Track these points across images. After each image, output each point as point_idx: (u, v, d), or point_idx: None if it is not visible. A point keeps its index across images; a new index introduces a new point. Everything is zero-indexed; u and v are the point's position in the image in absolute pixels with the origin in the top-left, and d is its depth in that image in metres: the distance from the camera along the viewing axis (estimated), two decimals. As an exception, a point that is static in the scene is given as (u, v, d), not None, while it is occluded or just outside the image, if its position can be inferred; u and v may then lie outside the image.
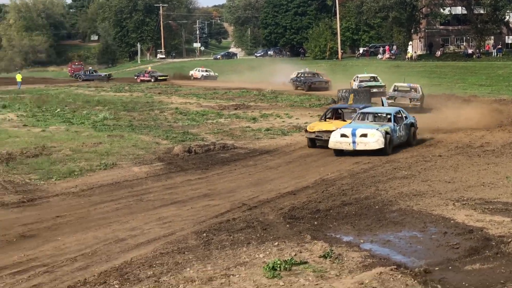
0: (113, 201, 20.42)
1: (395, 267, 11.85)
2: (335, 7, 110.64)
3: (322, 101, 54.59)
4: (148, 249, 14.27)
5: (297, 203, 18.49)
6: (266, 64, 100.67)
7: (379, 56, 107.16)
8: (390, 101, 42.63)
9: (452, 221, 15.26)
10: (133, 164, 27.11)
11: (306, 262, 12.50)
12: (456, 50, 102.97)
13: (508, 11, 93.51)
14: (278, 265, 12.16)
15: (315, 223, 16.02)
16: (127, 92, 67.70)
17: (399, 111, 27.42)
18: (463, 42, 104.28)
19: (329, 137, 25.99)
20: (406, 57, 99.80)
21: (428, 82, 58.02)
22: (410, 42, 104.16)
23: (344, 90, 52.52)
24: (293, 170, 25.13)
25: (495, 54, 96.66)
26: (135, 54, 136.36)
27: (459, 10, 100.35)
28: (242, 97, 58.72)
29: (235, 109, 49.30)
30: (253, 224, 16.18)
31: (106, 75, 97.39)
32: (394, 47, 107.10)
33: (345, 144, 23.99)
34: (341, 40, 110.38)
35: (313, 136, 28.34)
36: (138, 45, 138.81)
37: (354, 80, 57.75)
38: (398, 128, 25.67)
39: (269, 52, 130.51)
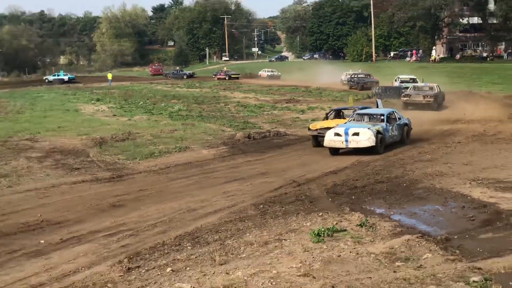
0: (186, 178, 21.03)
1: (420, 235, 12.12)
2: (371, 17, 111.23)
3: (358, 96, 53.89)
4: (214, 218, 14.94)
5: (338, 181, 18.96)
6: (312, 66, 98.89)
7: (407, 59, 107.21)
8: (405, 98, 43.31)
9: (469, 197, 15.39)
10: (203, 148, 27.65)
11: (345, 230, 12.81)
12: (473, 54, 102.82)
13: None
14: (322, 232, 12.49)
15: (353, 197, 16.43)
16: (197, 88, 67.04)
17: (392, 112, 26.17)
18: (479, 47, 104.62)
19: None
20: (431, 59, 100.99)
21: (449, 81, 56.54)
22: (434, 47, 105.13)
23: (378, 88, 53.62)
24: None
25: (506, 57, 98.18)
26: (204, 57, 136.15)
27: (475, 20, 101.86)
28: (292, 93, 58.11)
29: (287, 102, 49.54)
30: (301, 198, 16.67)
31: (190, 73, 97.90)
32: (420, 51, 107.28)
33: (339, 142, 22.97)
34: (375, 45, 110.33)
35: (315, 133, 26.93)
36: (207, 49, 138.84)
37: (395, 80, 57.01)
38: (390, 127, 24.46)
39: (314, 56, 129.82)
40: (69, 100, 51.74)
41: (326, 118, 29.00)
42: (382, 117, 24.45)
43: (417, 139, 28.13)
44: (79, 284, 10.46)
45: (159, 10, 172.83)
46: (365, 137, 22.33)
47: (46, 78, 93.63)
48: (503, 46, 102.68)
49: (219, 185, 19.47)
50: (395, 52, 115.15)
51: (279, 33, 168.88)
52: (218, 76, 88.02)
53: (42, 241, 13.15)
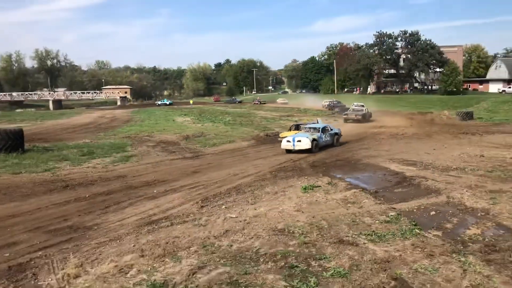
0: (232, 157, 20.94)
1: (361, 189, 12.18)
2: (334, 69, 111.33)
3: (329, 112, 53.86)
4: (248, 179, 14.77)
5: (316, 159, 18.83)
6: (302, 96, 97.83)
7: (354, 92, 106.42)
8: (345, 116, 41.65)
9: (388, 169, 15.25)
10: (242, 141, 27.55)
11: (319, 186, 12.74)
12: (390, 90, 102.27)
13: (416, 72, 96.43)
14: (307, 187, 12.54)
15: (324, 168, 16.23)
16: (238, 108, 66.05)
17: (326, 126, 24.21)
18: (394, 86, 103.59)
19: None
20: (367, 92, 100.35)
21: (376, 105, 55.53)
22: (369, 86, 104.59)
23: (336, 108, 53.92)
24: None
25: (409, 92, 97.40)
26: (242, 91, 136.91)
27: (392, 71, 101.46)
28: (290, 112, 56.72)
29: (287, 116, 48.62)
30: (295, 168, 16.56)
31: (239, 100, 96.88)
32: (361, 88, 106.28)
33: (289, 146, 21.34)
34: (336, 84, 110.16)
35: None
36: (244, 87, 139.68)
37: (352, 104, 51.78)
38: (324, 136, 22.73)
39: (303, 91, 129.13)
40: (169, 114, 52.15)
41: (290, 130, 27.08)
42: (318, 130, 22.99)
43: (358, 138, 27.65)
44: (175, 214, 10.49)
45: (218, 65, 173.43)
46: (304, 142, 21.10)
47: (156, 103, 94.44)
48: (407, 85, 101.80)
49: (250, 161, 19.34)
50: (347, 88, 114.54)
51: (283, 78, 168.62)
52: (255, 102, 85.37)
53: (155, 191, 13.21)
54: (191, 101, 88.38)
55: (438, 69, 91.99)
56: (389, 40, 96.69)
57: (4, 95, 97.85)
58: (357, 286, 6.21)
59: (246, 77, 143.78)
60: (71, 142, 25.39)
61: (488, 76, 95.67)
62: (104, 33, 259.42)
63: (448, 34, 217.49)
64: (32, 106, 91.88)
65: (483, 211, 9.69)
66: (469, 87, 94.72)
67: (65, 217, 10.27)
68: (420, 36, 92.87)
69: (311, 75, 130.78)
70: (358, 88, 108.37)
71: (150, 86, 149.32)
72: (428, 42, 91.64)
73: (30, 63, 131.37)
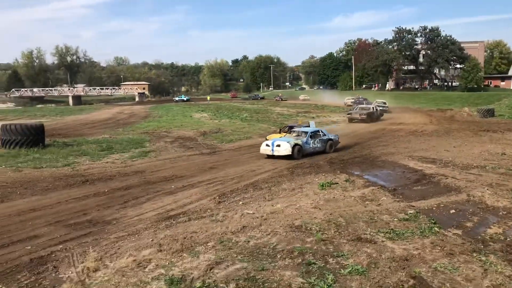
0: (249, 153, 20.82)
1: (379, 186, 12.07)
2: (352, 65, 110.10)
3: (345, 108, 52.56)
4: (265, 175, 14.80)
5: (333, 156, 18.72)
6: (319, 93, 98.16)
7: (373, 88, 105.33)
8: (348, 116, 36.76)
9: (407, 166, 15.13)
10: (258, 137, 27.24)
11: (337, 183, 12.65)
12: (409, 86, 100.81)
13: (435, 68, 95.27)
14: (324, 184, 12.44)
15: (342, 165, 16.15)
16: (255, 105, 65.26)
17: (318, 130, 20.72)
18: (413, 82, 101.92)
19: None
20: (386, 89, 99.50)
21: (395, 101, 55.60)
22: (388, 82, 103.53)
23: (356, 100, 51.11)
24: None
25: (429, 88, 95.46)
26: (259, 87, 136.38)
27: (411, 67, 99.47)
28: (307, 108, 56.56)
29: (304, 113, 48.55)
30: (312, 165, 16.52)
31: (261, 96, 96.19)
32: (380, 84, 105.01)
33: (268, 151, 18.86)
34: (354, 81, 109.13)
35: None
36: (261, 84, 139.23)
37: (375, 102, 48.33)
38: (312, 141, 19.67)
39: (320, 87, 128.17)
40: (186, 110, 52.31)
41: (280, 132, 24.08)
42: (306, 134, 19.88)
43: (377, 135, 27.40)
44: (192, 209, 10.55)
45: (235, 61, 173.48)
46: (283, 148, 18.51)
47: (174, 99, 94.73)
48: (427, 82, 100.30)
49: (267, 158, 19.22)
50: (366, 85, 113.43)
51: (300, 74, 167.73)
52: (276, 99, 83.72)
53: (173, 186, 13.28)
54: (208, 97, 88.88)
55: (458, 65, 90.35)
56: (409, 36, 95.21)
57: (26, 90, 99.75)
58: (375, 284, 6.16)
59: (263, 73, 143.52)
60: (90, 138, 25.74)
61: (510, 73, 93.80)
62: (123, 29, 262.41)
63: (468, 30, 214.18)
64: (52, 101, 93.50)
65: (505, 210, 9.53)
66: (491, 83, 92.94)
67: (85, 212, 10.42)
68: (440, 31, 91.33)
69: (328, 71, 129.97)
70: (376, 85, 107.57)
71: (168, 82, 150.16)
72: (448, 37, 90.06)
73: (50, 59, 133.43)
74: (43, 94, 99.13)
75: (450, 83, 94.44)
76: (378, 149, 20.29)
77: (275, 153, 18.74)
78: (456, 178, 12.80)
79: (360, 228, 8.52)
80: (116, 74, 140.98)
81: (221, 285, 6.16)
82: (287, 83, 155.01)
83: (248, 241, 7.92)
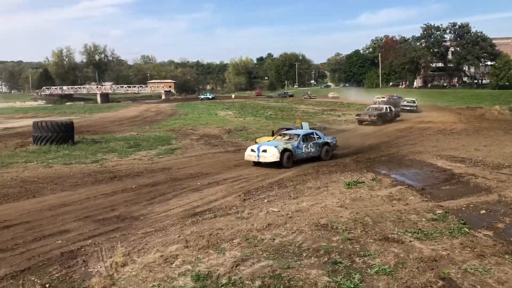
0: None
1: (407, 186, 11.93)
2: (379, 63, 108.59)
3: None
4: (290, 173, 14.70)
5: (360, 155, 18.37)
6: (345, 90, 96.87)
7: (400, 86, 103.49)
8: (357, 117, 34.13)
9: (435, 165, 14.94)
10: None
11: (363, 182, 12.55)
12: (438, 84, 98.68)
13: (465, 65, 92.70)
14: (351, 183, 12.34)
15: (368, 164, 15.98)
16: (279, 103, 65.08)
17: (312, 132, 18.09)
18: (441, 80, 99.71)
19: None
20: (413, 87, 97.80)
21: (423, 99, 53.98)
22: (415, 80, 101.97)
23: (390, 99, 49.64)
24: (357, 139, 24.22)
25: (458, 86, 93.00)
26: (284, 85, 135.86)
27: (440, 64, 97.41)
28: (333, 106, 56.13)
29: (330, 110, 48.20)
30: (338, 163, 16.34)
31: (290, 94, 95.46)
32: (407, 82, 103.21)
33: (253, 157, 16.35)
34: (381, 78, 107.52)
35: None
36: (286, 81, 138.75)
37: (404, 100, 46.42)
38: (304, 145, 17.04)
39: (346, 85, 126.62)
40: (211, 108, 52.61)
41: (273, 134, 21.18)
42: (297, 137, 17.21)
43: (405, 133, 26.97)
44: (217, 206, 10.60)
45: (260, 59, 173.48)
46: (270, 153, 15.92)
47: (199, 97, 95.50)
48: (456, 79, 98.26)
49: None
50: (393, 82, 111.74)
51: (326, 72, 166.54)
52: (305, 97, 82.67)
53: (199, 183, 13.33)
54: (232, 95, 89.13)
55: (489, 62, 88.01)
56: (437, 32, 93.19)
57: (56, 88, 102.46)
58: (403, 284, 6.07)
59: (288, 71, 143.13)
60: (118, 135, 26.15)
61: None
62: (150, 28, 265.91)
63: (501, 26, 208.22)
64: (81, 99, 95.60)
65: (538, 211, 9.28)
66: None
67: (113, 207, 10.59)
68: (470, 28, 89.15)
69: (355, 69, 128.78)
70: (404, 82, 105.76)
71: (194, 80, 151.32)
72: (479, 34, 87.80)
73: (79, 58, 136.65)
74: (72, 92, 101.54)
75: (480, 81, 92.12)
76: (406, 148, 19.98)
77: (261, 160, 16.14)
78: (487, 178, 12.54)
79: (387, 227, 8.41)
80: (142, 72, 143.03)
81: (247, 282, 6.17)
82: (312, 81, 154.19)
83: (274, 239, 7.91)
